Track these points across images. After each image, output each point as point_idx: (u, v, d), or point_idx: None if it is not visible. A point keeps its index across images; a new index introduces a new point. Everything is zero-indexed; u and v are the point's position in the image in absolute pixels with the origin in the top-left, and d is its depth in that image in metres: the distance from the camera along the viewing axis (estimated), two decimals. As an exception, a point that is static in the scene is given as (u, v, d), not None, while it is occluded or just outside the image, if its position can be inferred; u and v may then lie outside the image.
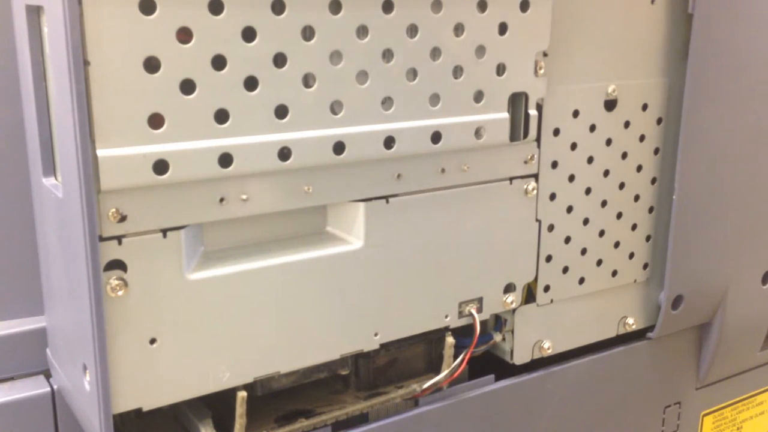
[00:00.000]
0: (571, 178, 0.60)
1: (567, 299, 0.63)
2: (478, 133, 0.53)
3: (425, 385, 0.57)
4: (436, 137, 0.51)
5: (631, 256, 0.66)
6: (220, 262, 0.47)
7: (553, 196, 0.60)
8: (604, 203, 0.63)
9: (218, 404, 0.51)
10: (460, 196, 0.55)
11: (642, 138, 0.64)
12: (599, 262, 0.64)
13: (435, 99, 0.51)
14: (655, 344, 0.70)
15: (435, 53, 0.50)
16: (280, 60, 0.45)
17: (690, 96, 0.63)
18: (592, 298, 0.65)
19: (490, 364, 0.62)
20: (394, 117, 0.49)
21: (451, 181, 0.54)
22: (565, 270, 0.62)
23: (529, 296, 0.61)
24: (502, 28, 0.53)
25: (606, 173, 0.62)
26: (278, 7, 0.44)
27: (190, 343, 0.46)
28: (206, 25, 0.42)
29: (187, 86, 0.42)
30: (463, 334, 0.58)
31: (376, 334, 0.53)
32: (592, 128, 0.60)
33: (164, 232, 0.44)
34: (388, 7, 0.48)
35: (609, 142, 0.62)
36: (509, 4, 0.53)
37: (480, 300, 0.57)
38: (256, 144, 0.45)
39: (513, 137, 0.56)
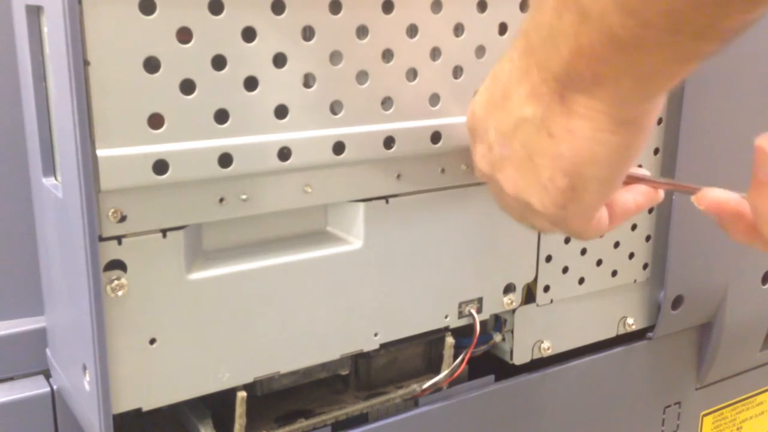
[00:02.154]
0: (571, 178, 0.60)
1: (567, 299, 0.63)
2: (478, 133, 0.53)
3: (425, 385, 0.57)
4: (435, 137, 0.51)
5: (631, 256, 0.66)
6: (220, 262, 0.47)
7: (553, 196, 0.59)
8: (604, 203, 0.63)
9: (218, 404, 0.51)
10: (460, 196, 0.54)
11: (642, 138, 0.63)
12: (599, 262, 0.64)
13: (435, 99, 0.51)
14: (655, 344, 0.70)
15: (435, 53, 0.50)
16: (280, 60, 0.45)
17: (689, 96, 0.63)
18: (591, 298, 0.65)
19: (490, 364, 0.62)
20: (394, 117, 0.49)
21: (451, 181, 0.54)
22: (565, 270, 0.62)
23: (529, 296, 0.61)
24: (502, 28, 0.53)
25: (606, 173, 0.62)
26: (278, 7, 0.44)
27: (190, 343, 0.46)
28: (206, 25, 0.42)
29: (187, 86, 0.42)
30: (463, 334, 0.58)
31: (376, 334, 0.53)
32: (592, 128, 0.60)
33: (164, 232, 0.44)
34: (388, 7, 0.47)
35: (609, 142, 0.62)
36: (509, 4, 0.53)
37: (480, 300, 0.57)
38: (256, 144, 0.45)
39: (513, 137, 0.56)
